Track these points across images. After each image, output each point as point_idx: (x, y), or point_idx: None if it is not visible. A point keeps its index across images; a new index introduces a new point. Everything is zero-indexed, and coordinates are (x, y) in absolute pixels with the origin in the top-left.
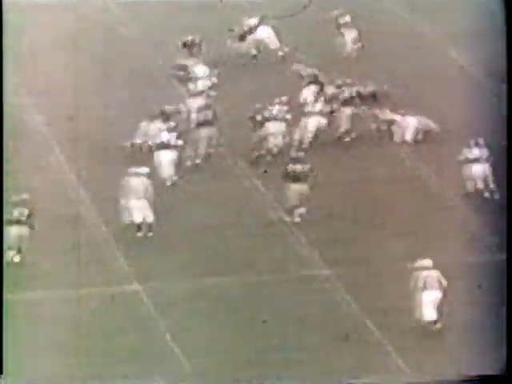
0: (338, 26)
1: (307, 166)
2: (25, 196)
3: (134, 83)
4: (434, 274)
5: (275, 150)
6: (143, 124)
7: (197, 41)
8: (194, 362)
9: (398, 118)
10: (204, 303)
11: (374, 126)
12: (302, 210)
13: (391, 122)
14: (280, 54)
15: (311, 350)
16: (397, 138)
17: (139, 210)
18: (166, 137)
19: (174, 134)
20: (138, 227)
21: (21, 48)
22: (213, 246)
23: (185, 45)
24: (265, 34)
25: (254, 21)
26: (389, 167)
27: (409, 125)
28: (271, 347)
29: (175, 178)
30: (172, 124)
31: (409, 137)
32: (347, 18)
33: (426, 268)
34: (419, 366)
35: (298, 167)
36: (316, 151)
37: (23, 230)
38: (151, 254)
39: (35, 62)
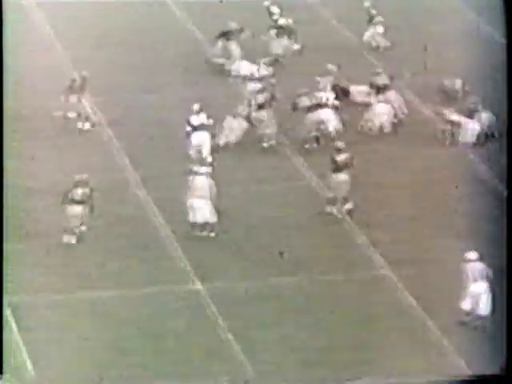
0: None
1: (349, 156)
2: (85, 176)
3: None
4: (479, 266)
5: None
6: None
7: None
8: (256, 363)
9: (462, 119)
10: (268, 303)
11: (441, 126)
12: (349, 205)
13: (457, 124)
14: None
15: (374, 350)
16: (462, 139)
17: (202, 210)
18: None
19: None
20: (201, 227)
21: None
22: (277, 245)
23: (224, 34)
24: None
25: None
26: (451, 168)
27: (473, 126)
28: (334, 347)
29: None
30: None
31: (472, 138)
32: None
33: (472, 260)
34: (478, 366)
35: (342, 157)
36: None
37: (83, 210)
38: (214, 254)
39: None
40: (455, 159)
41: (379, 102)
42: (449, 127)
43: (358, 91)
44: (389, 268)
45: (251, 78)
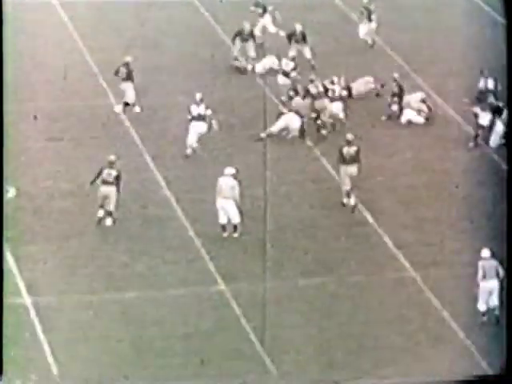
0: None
1: (357, 149)
2: (113, 157)
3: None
4: (493, 263)
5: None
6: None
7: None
8: (281, 364)
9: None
10: (292, 304)
11: (468, 128)
12: (353, 201)
13: (486, 127)
14: None
15: (399, 351)
16: (492, 143)
17: (225, 211)
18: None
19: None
20: (223, 227)
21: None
22: (303, 246)
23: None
24: None
25: None
26: (476, 170)
27: (500, 128)
28: (360, 348)
29: (195, 145)
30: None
31: (500, 141)
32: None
33: (484, 258)
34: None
35: (352, 149)
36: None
37: (111, 190)
38: (238, 255)
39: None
40: (480, 161)
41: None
42: (478, 130)
43: (358, 86)
44: (413, 269)
45: (283, 72)
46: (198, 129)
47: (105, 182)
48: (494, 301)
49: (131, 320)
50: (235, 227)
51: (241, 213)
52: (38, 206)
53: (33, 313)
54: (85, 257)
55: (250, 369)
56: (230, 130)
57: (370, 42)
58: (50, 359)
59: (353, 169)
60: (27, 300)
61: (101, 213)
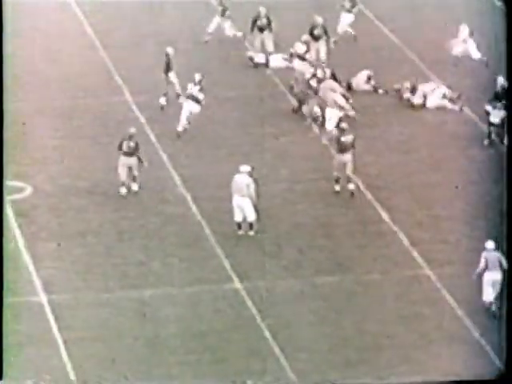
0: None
1: (352, 137)
2: (133, 130)
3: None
4: (495, 255)
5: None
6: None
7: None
8: (296, 362)
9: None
10: (307, 302)
11: (483, 127)
12: (352, 185)
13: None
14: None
15: (414, 348)
16: (507, 142)
17: (240, 208)
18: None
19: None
20: (239, 225)
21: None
22: (318, 244)
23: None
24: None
25: None
26: (491, 168)
27: None
28: (375, 346)
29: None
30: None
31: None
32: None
33: (488, 249)
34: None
35: (349, 138)
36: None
37: (133, 160)
38: (254, 253)
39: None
40: (495, 159)
41: None
42: (491, 128)
43: (358, 81)
44: (429, 267)
45: (300, 57)
46: (190, 108)
47: (126, 154)
48: (490, 296)
49: (147, 318)
50: (251, 225)
51: (257, 211)
52: (55, 204)
53: (48, 311)
54: (101, 255)
55: (264, 367)
56: (245, 127)
57: (353, 32)
58: (65, 358)
59: (347, 156)
60: (43, 298)
61: (123, 190)
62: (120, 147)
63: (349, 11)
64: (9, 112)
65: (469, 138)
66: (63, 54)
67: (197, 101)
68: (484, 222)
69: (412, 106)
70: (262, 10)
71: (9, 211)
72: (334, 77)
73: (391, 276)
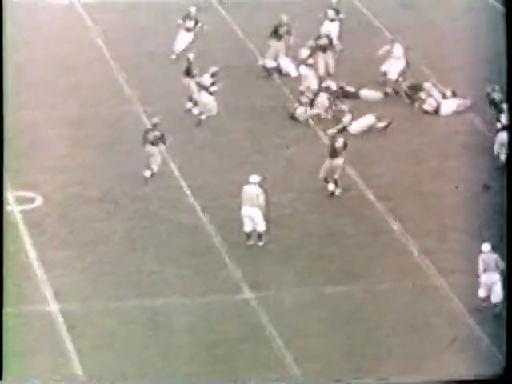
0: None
1: (344, 141)
2: (156, 119)
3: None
4: (493, 256)
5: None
6: None
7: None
8: (307, 371)
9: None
10: (318, 312)
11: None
12: (332, 186)
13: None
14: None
15: (426, 358)
16: None
17: (250, 219)
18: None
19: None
20: (248, 236)
21: None
22: (328, 254)
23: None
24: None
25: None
26: (501, 178)
27: None
28: (386, 356)
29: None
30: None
31: None
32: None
33: (485, 252)
34: None
35: (340, 141)
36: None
37: (155, 149)
38: (264, 263)
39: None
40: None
41: None
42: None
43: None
44: (440, 277)
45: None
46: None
47: (150, 142)
48: (496, 297)
49: (158, 327)
50: (260, 235)
51: (266, 221)
52: (65, 213)
53: (60, 320)
54: (112, 264)
55: (276, 376)
56: (254, 136)
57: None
58: (77, 366)
59: (339, 161)
60: (54, 307)
61: (148, 173)
62: (145, 138)
63: (333, 20)
64: (18, 121)
65: (478, 148)
66: (73, 62)
67: (210, 92)
68: (495, 232)
69: (425, 113)
70: (284, 18)
71: (19, 221)
72: (342, 89)
73: (402, 285)
